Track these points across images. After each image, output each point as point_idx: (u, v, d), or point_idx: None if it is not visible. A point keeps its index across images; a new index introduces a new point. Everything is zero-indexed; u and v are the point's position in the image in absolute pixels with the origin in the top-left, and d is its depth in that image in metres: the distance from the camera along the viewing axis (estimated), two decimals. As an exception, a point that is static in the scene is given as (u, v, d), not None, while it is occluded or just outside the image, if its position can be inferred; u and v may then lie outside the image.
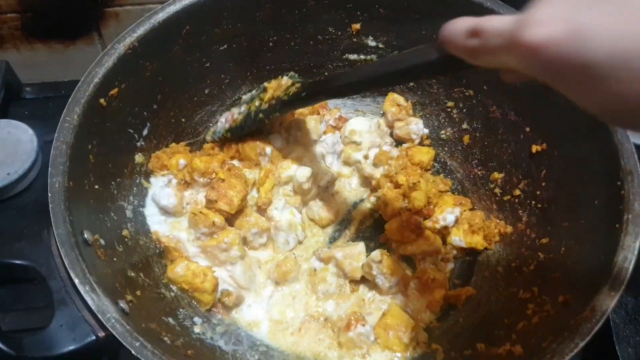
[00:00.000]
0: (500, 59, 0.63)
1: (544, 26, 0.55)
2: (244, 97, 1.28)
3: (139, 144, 1.16)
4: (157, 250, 1.12)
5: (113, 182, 1.08)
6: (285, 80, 1.15)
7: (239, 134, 1.24)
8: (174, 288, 1.08)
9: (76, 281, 0.82)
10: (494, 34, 0.63)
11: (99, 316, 0.81)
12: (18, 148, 1.31)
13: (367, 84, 1.03)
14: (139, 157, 1.16)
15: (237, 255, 1.12)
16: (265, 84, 1.20)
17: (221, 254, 1.11)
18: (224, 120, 1.27)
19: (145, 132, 1.17)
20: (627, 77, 0.53)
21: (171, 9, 1.14)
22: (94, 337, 0.82)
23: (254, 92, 1.24)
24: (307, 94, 1.11)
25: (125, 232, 1.06)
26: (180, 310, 1.06)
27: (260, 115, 1.19)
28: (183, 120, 1.27)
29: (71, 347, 0.81)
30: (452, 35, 0.70)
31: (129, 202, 1.12)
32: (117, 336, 0.79)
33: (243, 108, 1.23)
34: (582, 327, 0.85)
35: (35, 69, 1.55)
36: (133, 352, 0.78)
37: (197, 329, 1.04)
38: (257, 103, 1.19)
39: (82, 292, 0.82)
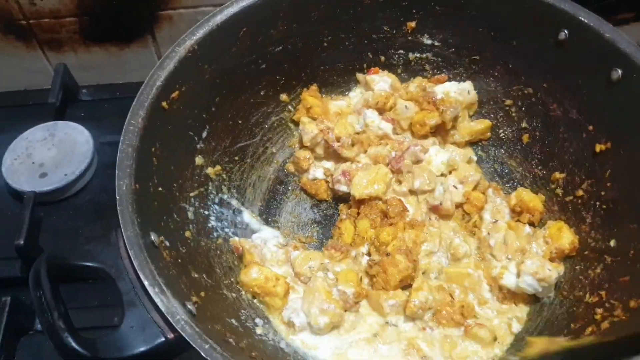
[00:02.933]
0: None
1: None
2: None
3: (198, 146, 1.18)
4: (218, 252, 1.13)
5: (175, 184, 1.09)
6: None
7: None
8: (237, 288, 1.10)
9: (146, 283, 0.84)
10: None
11: (169, 318, 0.82)
12: (75, 149, 1.36)
13: None
14: (198, 159, 1.17)
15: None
16: None
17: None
18: None
19: (204, 134, 1.19)
20: None
21: (229, 12, 1.15)
22: (163, 339, 0.83)
23: None
24: None
25: (187, 234, 1.08)
26: (242, 311, 1.07)
27: None
28: (240, 122, 1.28)
29: (142, 349, 0.82)
30: None
31: (190, 204, 1.13)
32: (187, 338, 0.80)
33: None
34: (659, 334, 0.82)
35: (91, 71, 1.60)
36: (203, 354, 0.79)
37: (259, 330, 1.05)
38: None
39: (151, 293, 0.83)
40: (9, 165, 1.36)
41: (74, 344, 0.79)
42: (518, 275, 1.09)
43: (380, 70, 1.37)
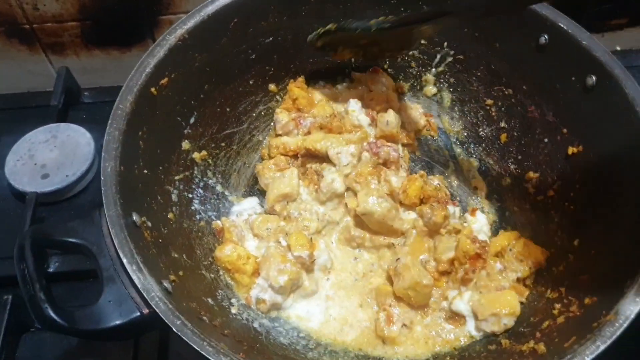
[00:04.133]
0: None
1: None
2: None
3: (186, 131, 1.22)
4: (199, 234, 1.18)
5: (160, 167, 1.14)
6: None
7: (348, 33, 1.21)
8: (216, 269, 1.15)
9: (124, 261, 0.89)
10: None
11: (144, 294, 0.86)
12: (77, 151, 1.40)
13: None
14: (185, 144, 1.21)
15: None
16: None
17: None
18: None
19: (192, 120, 1.23)
20: None
21: (220, 2, 1.19)
22: (138, 314, 0.88)
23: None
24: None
25: (170, 215, 1.12)
26: (219, 291, 1.12)
27: (377, 27, 1.15)
28: (228, 109, 1.31)
29: (117, 322, 0.87)
30: None
31: (174, 187, 1.17)
32: (160, 314, 0.85)
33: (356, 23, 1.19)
34: (604, 330, 0.86)
35: (93, 74, 1.64)
36: (174, 329, 0.84)
37: (234, 310, 1.10)
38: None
39: (129, 271, 0.88)
40: (12, 167, 1.39)
41: (53, 315, 0.84)
42: (476, 318, 1.11)
43: (381, 71, 1.40)
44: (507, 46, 1.27)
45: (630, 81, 1.07)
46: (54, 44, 1.58)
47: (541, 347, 0.95)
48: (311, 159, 1.30)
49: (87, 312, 0.87)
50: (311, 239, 1.17)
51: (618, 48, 1.63)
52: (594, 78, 1.11)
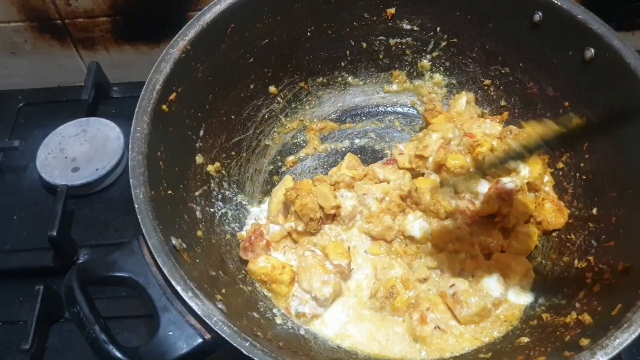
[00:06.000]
0: None
1: None
2: None
3: (197, 144, 1.19)
4: (228, 247, 1.17)
5: (181, 186, 1.11)
6: None
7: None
8: (251, 281, 1.14)
9: (178, 289, 0.86)
10: None
11: (206, 320, 0.85)
12: (106, 145, 1.43)
13: None
14: (199, 158, 1.19)
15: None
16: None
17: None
18: None
19: (201, 132, 1.20)
20: None
21: (217, 9, 1.17)
22: (201, 340, 0.86)
23: None
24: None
25: (199, 233, 1.10)
26: (260, 303, 1.11)
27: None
28: (233, 117, 1.30)
29: (183, 351, 0.85)
30: None
31: (197, 203, 1.15)
32: (227, 338, 0.84)
33: None
34: (656, 296, 0.88)
35: (122, 69, 1.66)
36: (244, 352, 0.82)
37: (278, 320, 1.10)
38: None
39: (186, 299, 0.86)
40: (43, 160, 1.41)
41: (119, 355, 0.81)
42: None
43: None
44: (500, 26, 1.29)
45: (630, 51, 1.10)
46: (84, 39, 1.61)
47: (586, 317, 0.97)
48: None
49: (152, 346, 0.84)
50: (349, 248, 1.18)
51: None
52: (592, 50, 1.14)
